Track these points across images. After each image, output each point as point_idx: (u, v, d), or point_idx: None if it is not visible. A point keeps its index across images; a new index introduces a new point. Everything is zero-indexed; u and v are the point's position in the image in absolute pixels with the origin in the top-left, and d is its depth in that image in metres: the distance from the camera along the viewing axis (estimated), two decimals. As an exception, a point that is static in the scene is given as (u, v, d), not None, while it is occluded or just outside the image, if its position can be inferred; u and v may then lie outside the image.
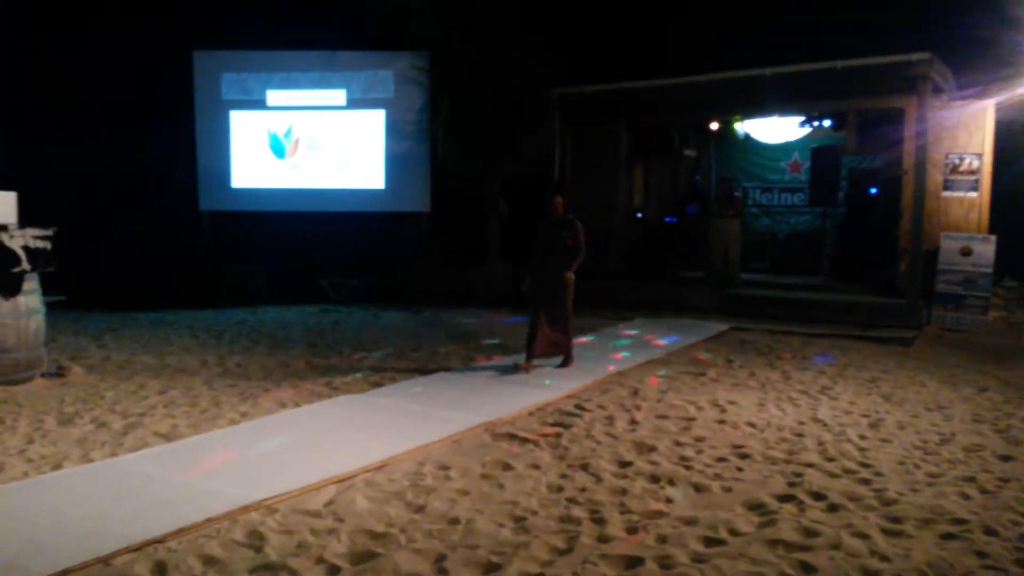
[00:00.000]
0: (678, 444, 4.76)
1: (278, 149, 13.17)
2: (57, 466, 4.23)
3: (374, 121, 12.95)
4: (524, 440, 4.80)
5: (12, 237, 5.98)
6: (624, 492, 3.94)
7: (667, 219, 13.14)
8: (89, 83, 12.41)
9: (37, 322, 6.24)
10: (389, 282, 12.38)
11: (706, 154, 14.67)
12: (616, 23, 11.75)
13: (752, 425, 5.20)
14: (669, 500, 3.85)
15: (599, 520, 3.58)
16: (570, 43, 11.82)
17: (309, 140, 13.09)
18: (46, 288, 6.54)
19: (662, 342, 8.34)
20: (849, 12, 12.66)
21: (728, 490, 4.00)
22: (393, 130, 12.83)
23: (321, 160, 13.11)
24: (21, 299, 6.07)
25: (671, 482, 4.09)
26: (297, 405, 5.65)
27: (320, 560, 3.15)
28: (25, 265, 6.05)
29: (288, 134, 13.12)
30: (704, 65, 10.72)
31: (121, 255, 11.79)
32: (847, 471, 4.29)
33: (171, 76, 12.82)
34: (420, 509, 3.70)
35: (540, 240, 6.80)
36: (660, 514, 3.67)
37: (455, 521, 3.56)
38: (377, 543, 3.32)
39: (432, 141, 12.55)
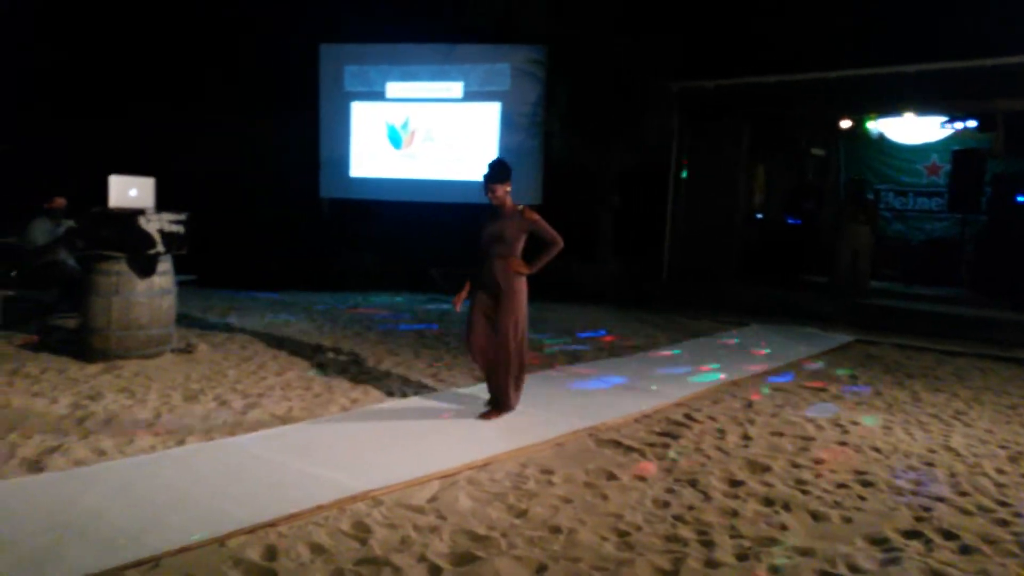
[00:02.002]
0: (794, 465, 4.50)
1: (395, 140, 13.47)
2: (181, 442, 4.44)
3: (489, 114, 13.01)
4: (630, 448, 4.67)
5: (149, 221, 6.34)
6: (735, 514, 3.76)
7: (789, 220, 12.57)
8: (221, 73, 13.06)
9: (169, 301, 6.61)
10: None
11: (835, 153, 13.93)
12: (739, 14, 11.28)
13: (876, 449, 4.86)
14: (784, 527, 3.64)
15: (707, 543, 3.42)
16: (689, 36, 11.45)
17: (425, 132, 13.31)
18: (178, 267, 6.91)
19: (780, 351, 7.96)
20: (998, 6, 11.69)
21: (848, 520, 3.74)
22: (508, 123, 12.86)
23: (436, 151, 13.31)
24: (155, 279, 6.44)
25: (786, 507, 3.86)
26: (404, 396, 5.73)
27: (422, 558, 3.15)
28: (160, 247, 6.42)
29: (405, 126, 13.38)
30: (835, 59, 10.15)
31: (247, 237, 12.39)
32: (982, 509, 3.93)
33: (298, 68, 13.32)
34: (522, 514, 3.65)
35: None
36: (773, 541, 3.47)
37: (557, 530, 3.48)
38: (478, 546, 3.29)
39: (546, 134, 12.50)
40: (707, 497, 3.95)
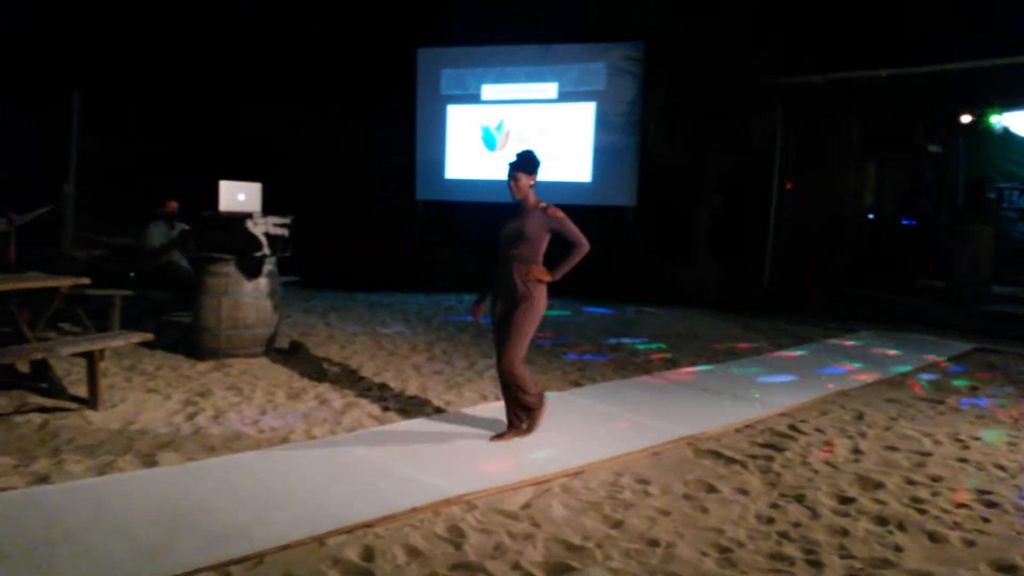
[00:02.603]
0: (910, 482, 4.22)
1: (489, 142, 13.55)
2: (284, 439, 4.58)
3: (584, 114, 12.91)
4: (731, 460, 4.50)
5: (256, 224, 6.59)
6: (845, 533, 3.55)
7: (904, 221, 11.91)
8: (322, 80, 13.48)
9: (274, 301, 6.84)
10: (591, 276, 12.30)
11: (954, 150, 13.09)
12: (849, 5, 10.75)
13: (1001, 468, 4.51)
14: (899, 548, 3.41)
15: (815, 563, 3.24)
16: (795, 29, 11.01)
17: (519, 133, 13.33)
18: (281, 269, 7.15)
19: (893, 359, 7.54)
20: None
21: (971, 544, 3.47)
22: (603, 123, 12.72)
23: (530, 153, 13.29)
24: (261, 280, 6.68)
25: (901, 527, 3.62)
26: (497, 398, 5.70)
27: (516, 566, 3.11)
28: (266, 250, 6.65)
29: (500, 127, 13.45)
30: (955, 50, 9.53)
31: (346, 240, 12.74)
32: None
33: (395, 73, 13.60)
34: (618, 524, 3.56)
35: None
36: (887, 563, 3.26)
37: (654, 543, 3.38)
38: (573, 556, 3.23)
39: (642, 134, 12.29)
40: (815, 514, 3.76)
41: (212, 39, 13.30)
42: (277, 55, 13.50)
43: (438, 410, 5.35)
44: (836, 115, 11.14)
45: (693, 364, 7.19)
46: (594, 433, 4.87)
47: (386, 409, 5.31)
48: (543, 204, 4.67)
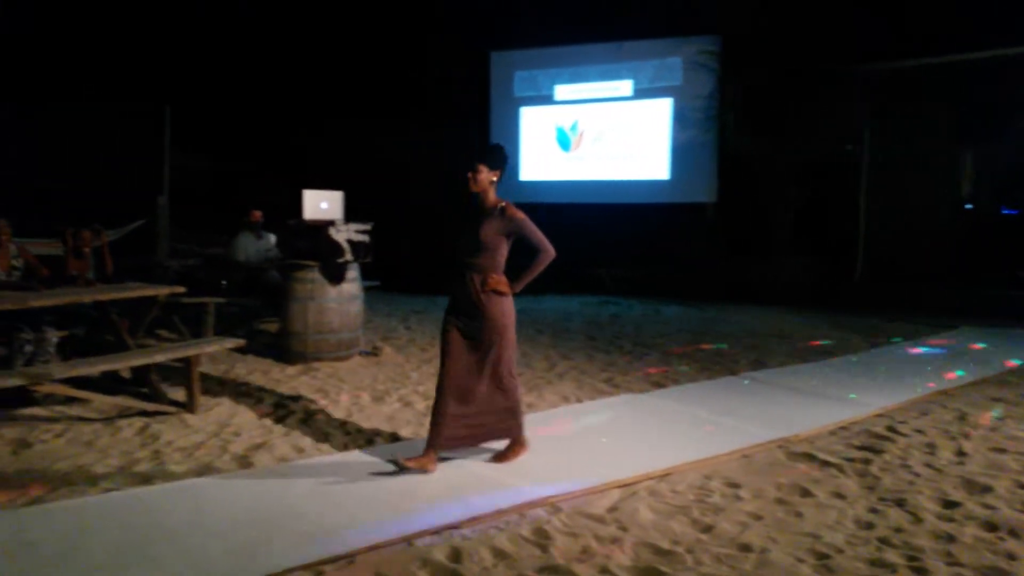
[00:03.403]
0: (1020, 486, 3.97)
1: (564, 142, 13.51)
2: (370, 441, 4.65)
3: (660, 110, 12.73)
4: (825, 463, 4.32)
5: (339, 231, 6.74)
6: (951, 539, 3.36)
7: (1004, 211, 11.27)
8: (398, 87, 13.71)
9: (357, 306, 6.98)
10: (670, 275, 12.13)
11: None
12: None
13: (1124, 471, 4.19)
14: (1011, 556, 3.21)
15: (920, 570, 3.08)
16: (879, 14, 10.55)
17: (594, 133, 13.25)
18: (363, 274, 7.29)
19: (996, 357, 7.13)
20: None
21: (1094, 553, 3.24)
22: (680, 118, 12.52)
23: (605, 152, 13.21)
24: (345, 286, 6.83)
25: (1013, 533, 3.41)
26: (579, 400, 5.68)
27: (604, 571, 3.07)
28: (348, 256, 6.80)
29: (574, 127, 13.39)
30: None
31: (424, 244, 12.90)
32: None
33: (468, 77, 13.72)
34: (708, 529, 3.47)
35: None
36: (999, 572, 3.07)
37: (746, 548, 3.28)
38: (662, 560, 3.16)
39: (720, 128, 12.03)
40: (917, 519, 3.57)
41: (292, 57, 13.71)
42: (353, 67, 13.81)
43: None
44: (926, 101, 10.61)
45: (782, 364, 6.98)
46: (679, 435, 4.77)
47: (468, 411, 5.32)
48: (502, 204, 4.05)
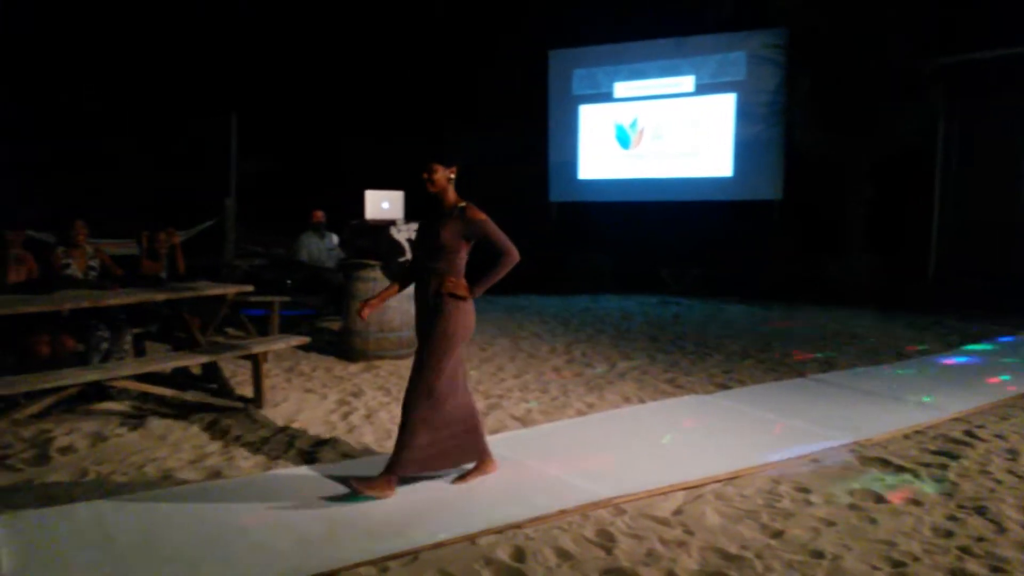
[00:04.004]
0: (1115, 496, 3.76)
1: (623, 140, 13.38)
2: (431, 439, 4.67)
3: (723, 106, 12.50)
4: (900, 468, 4.16)
5: (399, 231, 6.81)
6: (1040, 551, 3.19)
7: None
8: (456, 87, 13.79)
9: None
10: (733, 274, 11.90)
11: None
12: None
13: None
14: (1108, 571, 3.03)
15: (1006, 583, 2.94)
16: (948, 4, 10.13)
17: (654, 129, 13.09)
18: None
19: (1080, 359, 6.78)
20: None
21: None
22: (744, 114, 12.26)
23: (665, 149, 13.04)
24: (406, 285, 6.88)
25: (1109, 547, 3.22)
26: (641, 401, 5.61)
27: (670, 574, 3.01)
28: (409, 255, 6.85)
29: (634, 125, 13.26)
30: None
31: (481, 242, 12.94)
32: None
33: (527, 76, 13.71)
34: (777, 534, 3.37)
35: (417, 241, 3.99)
36: (1094, 587, 2.90)
37: (818, 555, 3.17)
38: (731, 565, 3.08)
39: (787, 124, 11.73)
40: (1000, 528, 3.41)
41: (352, 61, 13.93)
42: (412, 70, 13.95)
43: (580, 412, 5.30)
44: (1003, 93, 10.14)
45: (852, 365, 6.77)
46: (746, 438, 4.66)
47: (528, 411, 5.31)
48: (462, 204, 3.81)
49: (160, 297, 5.29)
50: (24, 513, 3.46)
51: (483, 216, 3.78)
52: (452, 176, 3.82)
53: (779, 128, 11.89)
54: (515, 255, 3.79)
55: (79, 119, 12.30)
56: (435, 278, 3.74)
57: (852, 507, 3.67)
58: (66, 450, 4.35)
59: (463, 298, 3.74)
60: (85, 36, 12.15)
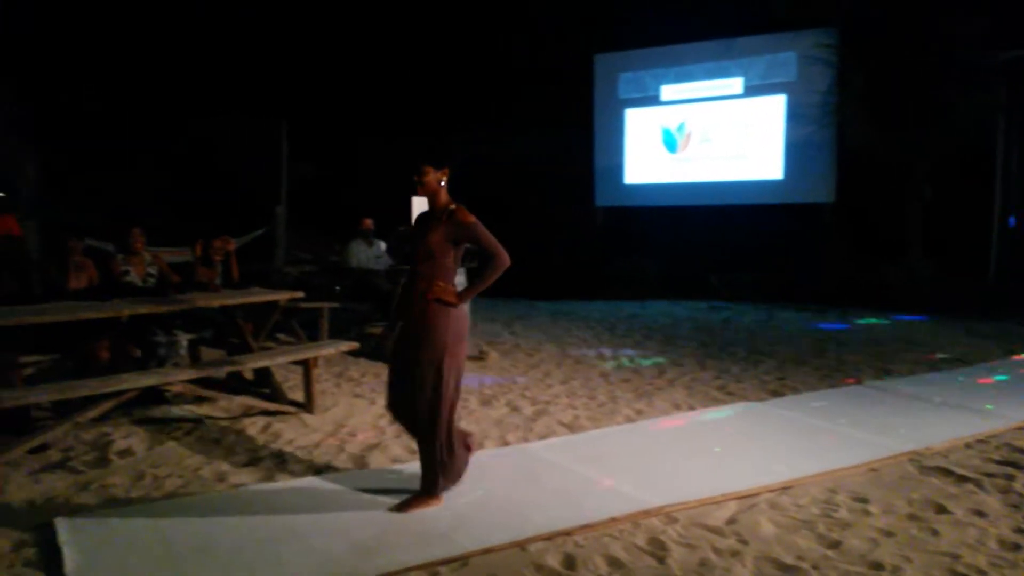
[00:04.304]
0: None
1: (670, 144, 13.26)
2: (479, 445, 4.66)
3: (773, 108, 12.30)
4: (962, 478, 4.02)
5: (447, 236, 6.83)
6: (1117, 567, 3.05)
7: None
8: (501, 93, 13.84)
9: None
10: (784, 278, 11.68)
11: None
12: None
13: None
14: None
15: (1081, 600, 2.81)
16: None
17: (702, 133, 12.94)
18: (468, 279, 7.36)
19: None
20: None
21: None
22: (794, 115, 12.05)
23: (713, 152, 12.89)
24: (453, 290, 6.90)
25: None
26: (691, 408, 5.53)
27: (724, 584, 2.95)
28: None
29: (681, 128, 13.13)
30: None
31: (526, 248, 12.94)
32: None
33: (571, 81, 13.68)
34: (835, 545, 3.28)
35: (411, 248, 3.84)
36: None
37: (878, 566, 3.08)
38: (786, 576, 3.01)
39: (840, 125, 11.48)
40: (1072, 543, 3.26)
41: (398, 68, 14.09)
42: (456, 75, 14.04)
43: (628, 419, 5.25)
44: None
45: (910, 372, 6.58)
46: (800, 446, 4.55)
47: (576, 417, 5.28)
48: (453, 206, 3.66)
49: (215, 303, 5.40)
50: (85, 514, 3.55)
51: (472, 219, 3.62)
52: (444, 178, 3.69)
53: (831, 129, 11.64)
54: (505, 260, 3.65)
55: (128, 126, 12.67)
56: (423, 282, 3.60)
57: (912, 517, 3.55)
58: (124, 453, 4.47)
59: (451, 304, 3.61)
60: (132, 41, 12.49)
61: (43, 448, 4.40)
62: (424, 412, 3.57)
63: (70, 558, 3.04)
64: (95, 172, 12.33)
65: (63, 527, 3.34)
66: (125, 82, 12.56)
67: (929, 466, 4.22)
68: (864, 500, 3.76)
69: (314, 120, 13.48)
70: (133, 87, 12.62)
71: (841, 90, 11.42)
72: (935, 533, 3.38)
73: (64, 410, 4.84)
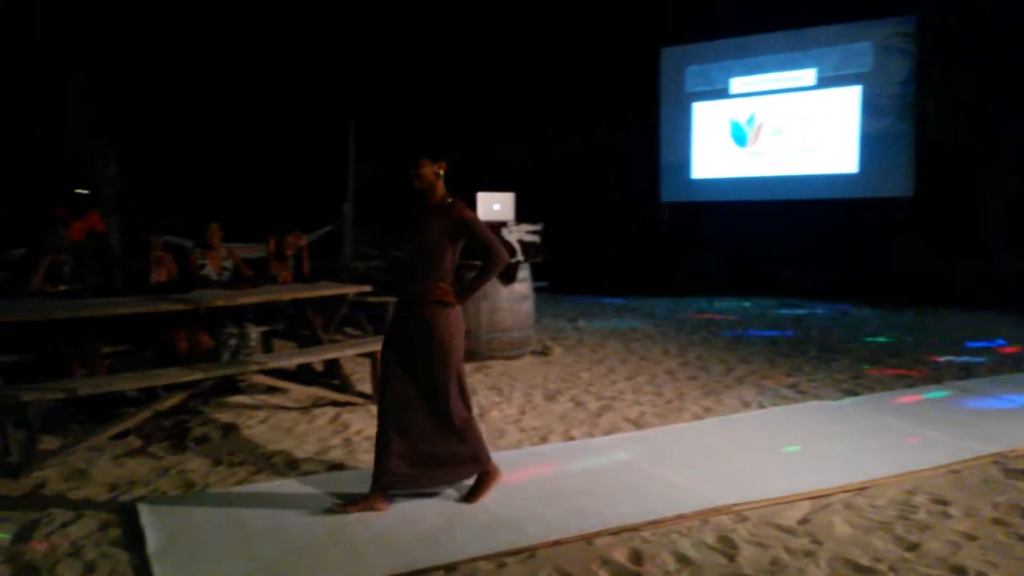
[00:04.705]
0: None
1: (739, 137, 12.99)
2: (543, 439, 4.67)
3: (847, 99, 11.92)
4: (1054, 483, 3.82)
5: (510, 232, 6.86)
6: None
7: None
8: (565, 89, 13.77)
9: (527, 306, 7.07)
10: (858, 275, 11.30)
11: None
12: None
13: None
14: None
15: None
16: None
17: (773, 125, 12.64)
18: (532, 274, 7.36)
19: None
20: None
21: None
22: (870, 107, 11.64)
23: (784, 145, 12.56)
24: (516, 286, 6.94)
25: None
26: (761, 406, 5.40)
27: (797, 585, 2.88)
28: (520, 256, 6.89)
29: (751, 121, 12.84)
30: None
31: (590, 244, 12.88)
32: None
33: (635, 76, 13.53)
34: (913, 547, 3.16)
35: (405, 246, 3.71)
36: None
37: (960, 570, 2.95)
38: (863, 578, 2.91)
39: (918, 116, 11.03)
40: None
41: (464, 66, 14.17)
42: (521, 73, 14.04)
43: (696, 416, 5.17)
44: None
45: (993, 372, 6.28)
46: (877, 446, 4.40)
47: (642, 413, 5.22)
48: (449, 199, 3.53)
49: (287, 296, 5.54)
50: (164, 498, 3.69)
51: (471, 214, 3.51)
52: (441, 171, 3.55)
53: (909, 120, 11.20)
54: (503, 256, 3.54)
55: (205, 127, 13.09)
56: (420, 280, 3.49)
57: (996, 522, 3.39)
58: (201, 440, 4.62)
59: (449, 304, 3.50)
60: (209, 44, 12.89)
61: (125, 434, 4.58)
62: (454, 406, 3.52)
63: (152, 540, 3.15)
64: (173, 171, 12.81)
65: (145, 509, 3.47)
66: (202, 84, 12.99)
67: (1014, 469, 4.03)
68: (944, 502, 3.61)
69: (380, 121, 13.67)
70: (210, 89, 13.04)
71: (919, 80, 10.98)
72: (1022, 539, 3.22)
73: (145, 398, 5.04)
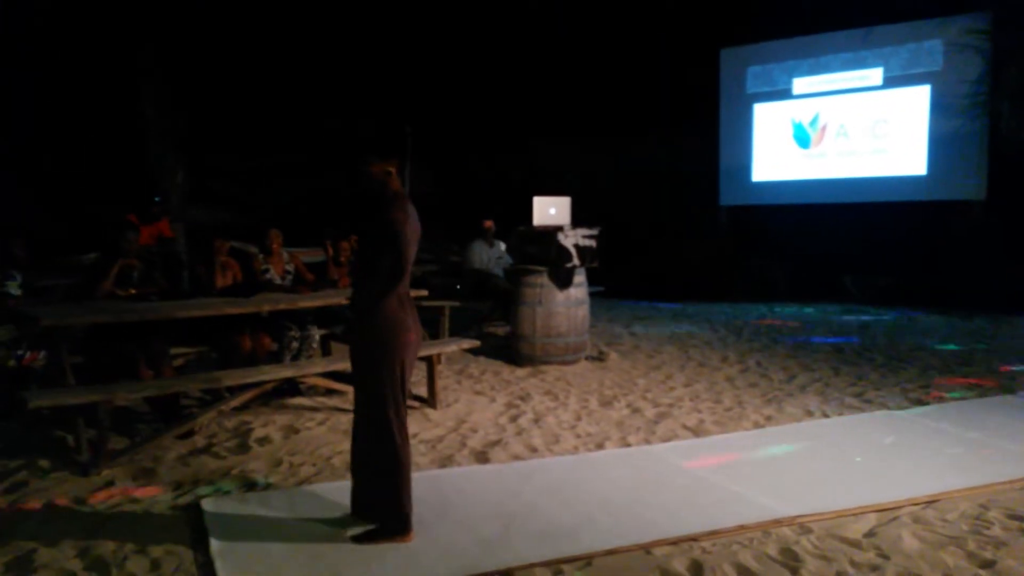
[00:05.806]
0: None
1: (802, 139, 12.69)
2: (600, 445, 4.63)
3: (916, 99, 11.53)
4: None
5: (566, 236, 6.82)
6: None
7: None
8: (623, 93, 13.66)
9: (583, 311, 7.02)
10: (926, 281, 10.91)
11: None
12: None
13: None
14: None
15: None
16: None
17: (837, 126, 12.31)
18: (588, 279, 7.31)
19: None
20: None
21: None
22: (940, 107, 11.23)
23: (850, 147, 12.22)
24: (572, 291, 6.90)
25: None
26: (825, 415, 5.25)
27: (863, 601, 2.78)
28: (576, 261, 6.86)
29: (814, 122, 12.53)
30: None
31: (647, 249, 12.74)
32: None
33: (693, 78, 13.33)
34: (988, 564, 3.02)
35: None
36: None
37: (1041, 592, 2.81)
38: (934, 597, 2.80)
39: (992, 116, 10.59)
40: None
41: (521, 69, 14.19)
42: (579, 76, 13.99)
43: (757, 425, 5.05)
44: None
45: (1074, 383, 5.99)
46: (946, 458, 4.23)
47: (701, 421, 5.13)
48: (393, 199, 3.23)
49: (345, 300, 5.61)
50: (227, 497, 3.78)
51: (393, 216, 3.13)
52: (391, 170, 3.24)
53: (982, 121, 10.76)
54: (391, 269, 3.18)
55: (265, 136, 13.40)
56: (361, 292, 3.25)
57: (1082, 542, 3.22)
58: (263, 440, 4.72)
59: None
60: (268, 49, 13.18)
61: (190, 434, 4.71)
62: (378, 441, 3.25)
63: (215, 538, 3.23)
64: (237, 178, 13.15)
65: (209, 508, 3.56)
66: (264, 93, 13.32)
67: (1100, 486, 3.82)
68: (1021, 519, 3.45)
69: (442, 126, 13.78)
70: (272, 99, 13.36)
71: (993, 80, 10.54)
72: (1108, 560, 3.06)
73: (209, 399, 5.18)
